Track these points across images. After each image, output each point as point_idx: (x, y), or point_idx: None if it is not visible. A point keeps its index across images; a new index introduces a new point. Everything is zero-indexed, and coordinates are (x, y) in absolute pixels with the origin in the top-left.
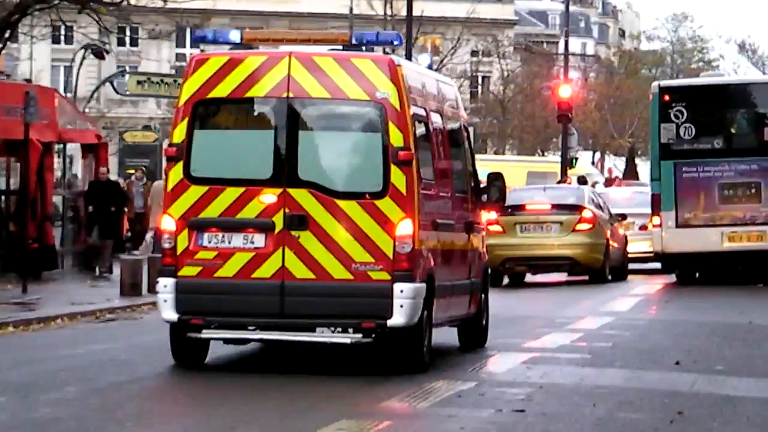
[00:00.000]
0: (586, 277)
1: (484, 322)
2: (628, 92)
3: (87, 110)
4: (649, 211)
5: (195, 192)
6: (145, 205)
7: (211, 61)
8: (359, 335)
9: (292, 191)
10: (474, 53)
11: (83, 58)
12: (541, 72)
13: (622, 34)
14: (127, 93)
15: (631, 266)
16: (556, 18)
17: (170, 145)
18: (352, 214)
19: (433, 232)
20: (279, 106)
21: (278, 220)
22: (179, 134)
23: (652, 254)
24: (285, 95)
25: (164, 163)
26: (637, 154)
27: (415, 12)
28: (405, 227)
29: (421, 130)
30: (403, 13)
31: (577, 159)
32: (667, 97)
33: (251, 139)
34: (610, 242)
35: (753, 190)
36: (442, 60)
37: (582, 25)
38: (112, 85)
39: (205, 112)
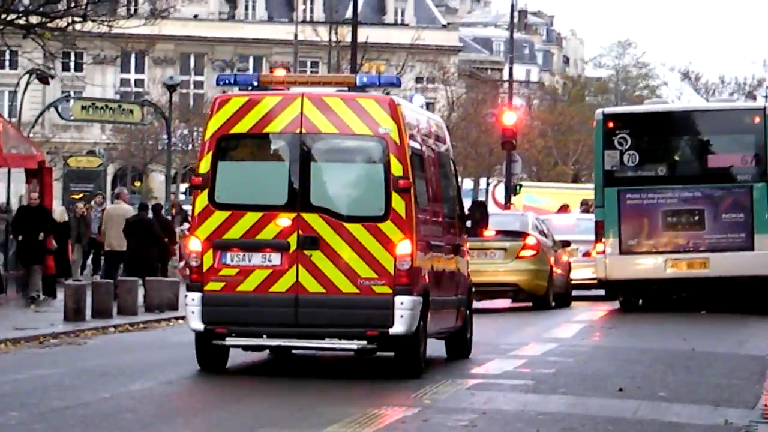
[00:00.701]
0: (529, 304)
1: (468, 335)
2: (571, 119)
3: (31, 135)
4: (592, 237)
5: (219, 216)
6: (100, 231)
7: (232, 101)
8: (364, 342)
9: (304, 215)
10: (419, 80)
11: (28, 83)
12: (486, 98)
13: (567, 61)
14: (72, 118)
15: (575, 293)
16: (501, 45)
17: (196, 175)
18: (358, 235)
19: (428, 252)
20: (293, 141)
21: (293, 240)
22: (204, 165)
23: (595, 281)
24: (298, 131)
25: (109, 188)
26: (581, 181)
27: (360, 38)
28: (404, 247)
29: (417, 161)
30: (348, 39)
31: (521, 185)
32: (611, 124)
33: (268, 170)
34: (554, 269)
35: (696, 218)
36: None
37: (526, 52)
38: (57, 110)
39: (228, 146)
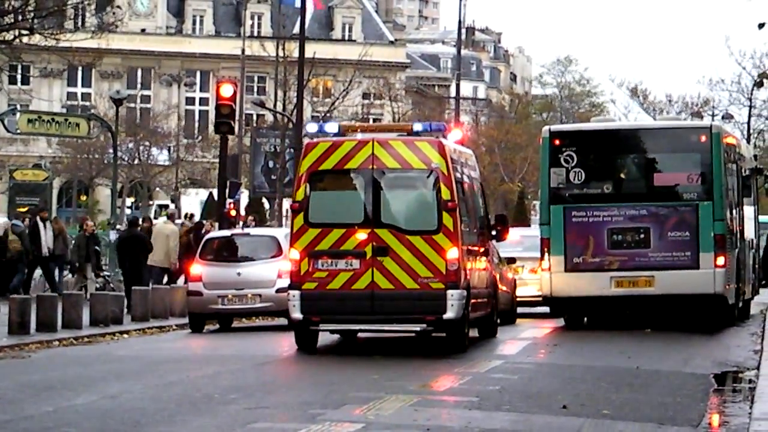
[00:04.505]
0: None
1: (495, 318)
2: (518, 136)
3: None
4: (538, 255)
5: (312, 233)
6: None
7: (319, 146)
8: (424, 325)
9: (377, 230)
10: (366, 96)
11: None
12: (433, 115)
13: (514, 78)
14: (18, 131)
15: (520, 310)
16: (448, 62)
17: (294, 201)
18: (418, 244)
19: (468, 256)
20: (367, 174)
21: (368, 250)
22: (300, 194)
23: (540, 298)
24: (371, 167)
25: (55, 202)
26: (527, 198)
27: (307, 54)
28: (453, 253)
29: (459, 187)
30: (296, 54)
31: None
32: (557, 142)
33: (348, 197)
34: (499, 285)
35: (642, 236)
36: (334, 102)
37: (474, 69)
38: (3, 124)
39: (317, 179)
